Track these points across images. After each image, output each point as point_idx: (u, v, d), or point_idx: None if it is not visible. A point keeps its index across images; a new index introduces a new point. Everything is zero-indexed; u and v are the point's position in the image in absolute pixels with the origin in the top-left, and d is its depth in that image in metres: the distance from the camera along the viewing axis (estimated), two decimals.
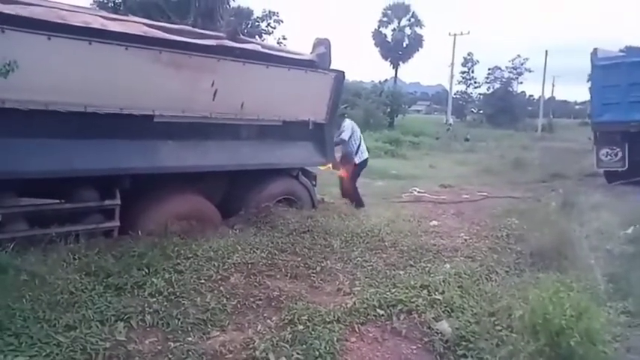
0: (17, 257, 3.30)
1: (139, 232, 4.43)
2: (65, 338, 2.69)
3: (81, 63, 3.91)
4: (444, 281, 3.94)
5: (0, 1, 3.66)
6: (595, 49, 10.84)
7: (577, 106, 76.10)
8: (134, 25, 4.65)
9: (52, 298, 3.10)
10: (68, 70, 3.86)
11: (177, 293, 3.42)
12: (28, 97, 3.64)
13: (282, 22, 28.41)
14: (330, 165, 6.45)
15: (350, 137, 7.31)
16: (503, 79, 52.42)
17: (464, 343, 3.12)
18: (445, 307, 3.52)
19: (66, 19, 3.87)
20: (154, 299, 3.30)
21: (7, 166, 3.68)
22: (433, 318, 3.36)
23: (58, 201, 4.27)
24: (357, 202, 7.25)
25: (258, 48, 5.43)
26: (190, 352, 2.74)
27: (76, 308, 3.05)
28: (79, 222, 4.25)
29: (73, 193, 4.27)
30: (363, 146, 7.51)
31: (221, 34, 6.32)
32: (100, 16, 4.69)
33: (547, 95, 48.62)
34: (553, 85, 59.12)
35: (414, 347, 3.15)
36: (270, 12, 28.43)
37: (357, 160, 7.41)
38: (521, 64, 51.44)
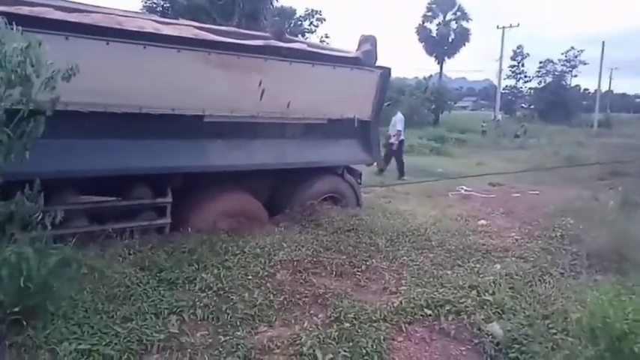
0: (78, 252, 3.49)
1: (189, 229, 4.58)
2: (122, 329, 2.83)
3: (136, 66, 4.08)
4: (494, 282, 3.83)
5: (62, 10, 3.88)
6: None
7: (637, 100, 71.68)
8: (185, 28, 4.79)
9: (110, 291, 3.28)
10: (124, 73, 4.04)
11: (226, 288, 3.51)
12: (89, 100, 3.83)
13: (324, 20, 28.53)
14: (376, 163, 6.40)
15: None
16: (556, 73, 50.21)
17: (516, 345, 3.01)
18: (496, 308, 3.41)
19: (123, 24, 4.05)
20: (204, 294, 3.40)
21: (70, 165, 3.88)
22: (483, 319, 3.26)
23: (114, 198, 4.49)
24: None
25: (304, 47, 5.46)
26: (240, 346, 2.81)
27: (132, 301, 3.20)
28: (133, 219, 4.45)
29: (128, 191, 4.47)
30: None
31: (267, 35, 6.41)
32: (153, 20, 4.87)
33: (604, 88, 46.09)
34: (610, 78, 55.96)
35: (464, 348, 3.08)
36: (312, 10, 28.63)
37: None
38: (575, 57, 49.18)
